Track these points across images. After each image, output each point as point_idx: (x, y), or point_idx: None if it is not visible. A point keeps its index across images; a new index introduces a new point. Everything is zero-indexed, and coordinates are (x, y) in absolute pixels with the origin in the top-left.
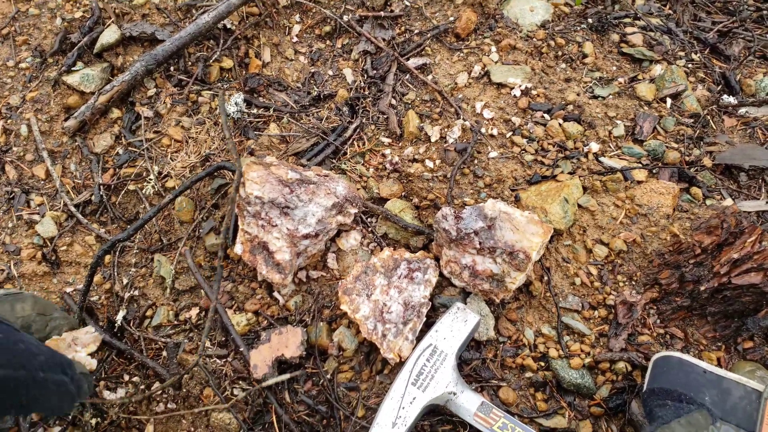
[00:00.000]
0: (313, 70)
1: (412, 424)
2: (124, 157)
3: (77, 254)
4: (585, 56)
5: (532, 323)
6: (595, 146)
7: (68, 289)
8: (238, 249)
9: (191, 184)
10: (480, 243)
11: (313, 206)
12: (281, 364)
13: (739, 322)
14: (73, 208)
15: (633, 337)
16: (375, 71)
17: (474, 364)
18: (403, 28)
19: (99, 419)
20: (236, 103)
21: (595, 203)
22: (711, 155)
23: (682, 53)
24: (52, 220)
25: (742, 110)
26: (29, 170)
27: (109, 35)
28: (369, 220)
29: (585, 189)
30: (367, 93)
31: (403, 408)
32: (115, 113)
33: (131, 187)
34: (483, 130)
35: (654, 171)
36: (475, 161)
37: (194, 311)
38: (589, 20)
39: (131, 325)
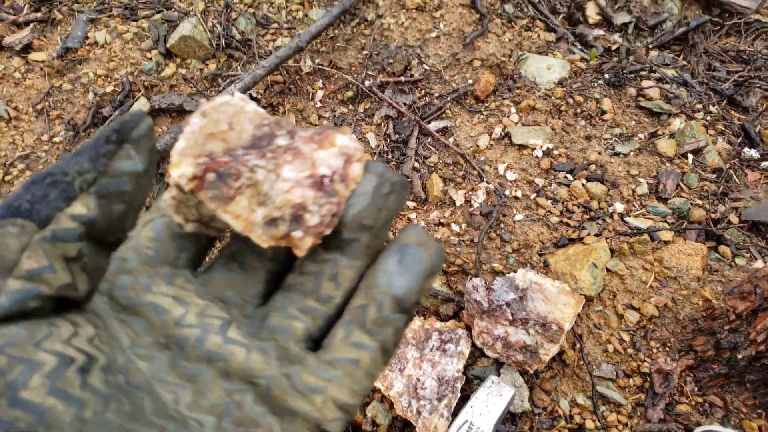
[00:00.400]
0: None
1: None
2: None
3: None
4: (604, 112)
5: (566, 393)
6: (619, 206)
7: None
8: None
9: None
10: (512, 314)
11: None
12: None
13: None
14: None
15: (671, 406)
16: (397, 135)
17: None
18: (423, 92)
19: None
20: None
21: (623, 267)
22: (737, 211)
23: (699, 105)
24: None
25: (765, 164)
26: None
27: (139, 108)
28: None
29: (612, 252)
30: (390, 157)
31: None
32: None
33: None
34: (507, 192)
35: (679, 231)
36: (501, 225)
37: None
38: (606, 75)
39: None
